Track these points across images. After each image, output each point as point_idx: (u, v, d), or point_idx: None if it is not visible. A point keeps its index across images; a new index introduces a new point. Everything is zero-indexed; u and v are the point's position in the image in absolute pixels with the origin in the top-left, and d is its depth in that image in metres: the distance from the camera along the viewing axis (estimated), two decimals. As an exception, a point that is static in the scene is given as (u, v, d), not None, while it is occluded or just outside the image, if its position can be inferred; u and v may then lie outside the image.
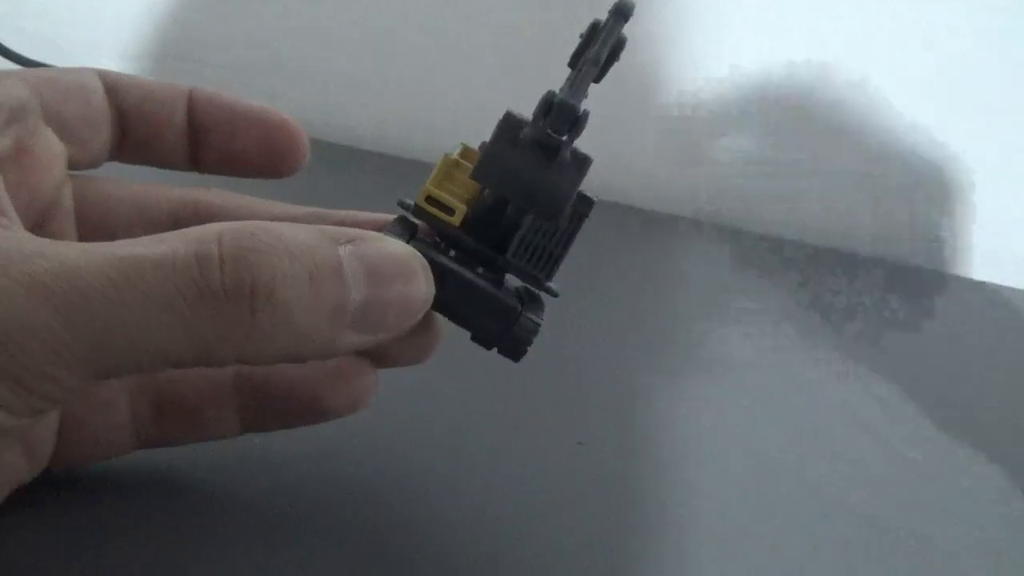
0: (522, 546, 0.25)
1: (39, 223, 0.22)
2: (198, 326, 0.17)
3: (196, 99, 0.25)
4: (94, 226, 0.24)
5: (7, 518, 0.20)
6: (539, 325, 0.22)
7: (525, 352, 0.22)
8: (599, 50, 0.20)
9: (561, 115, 0.19)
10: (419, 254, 0.20)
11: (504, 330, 0.21)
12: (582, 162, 0.20)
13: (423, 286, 0.20)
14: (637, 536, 0.26)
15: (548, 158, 0.20)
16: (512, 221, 0.22)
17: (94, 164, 0.24)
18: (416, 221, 0.22)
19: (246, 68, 0.58)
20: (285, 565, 0.22)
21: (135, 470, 0.24)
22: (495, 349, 0.22)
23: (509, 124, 0.20)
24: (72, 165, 0.23)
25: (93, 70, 0.24)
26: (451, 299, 0.21)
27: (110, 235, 0.24)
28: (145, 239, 0.18)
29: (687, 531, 0.27)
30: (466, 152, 0.23)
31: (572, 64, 0.21)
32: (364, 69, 0.59)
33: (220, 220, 0.25)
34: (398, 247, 0.19)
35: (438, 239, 0.22)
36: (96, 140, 0.24)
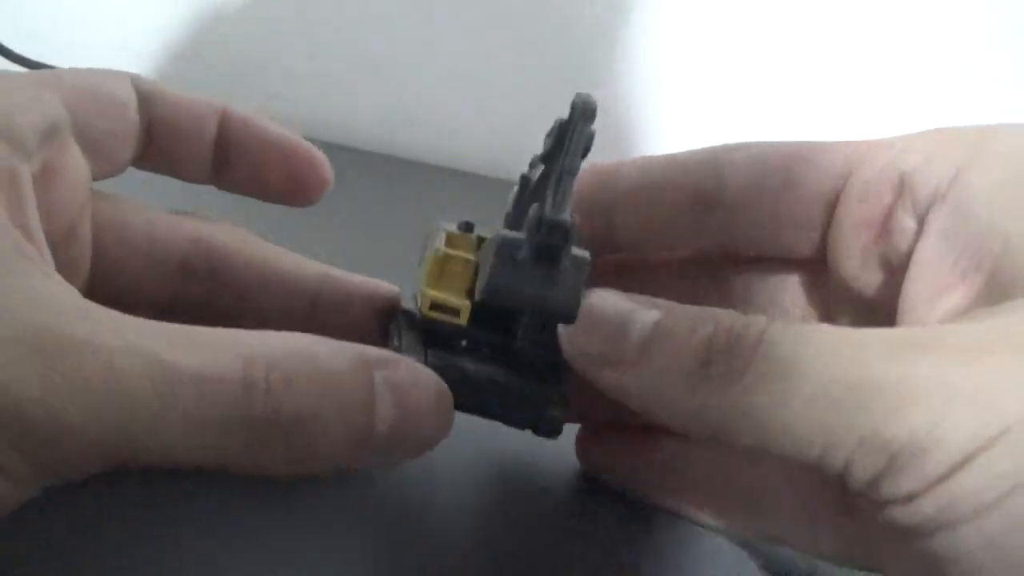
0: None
1: (57, 249, 0.21)
2: (229, 445, 0.17)
3: (229, 121, 0.25)
4: (105, 250, 0.24)
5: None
6: (566, 397, 0.22)
7: (561, 430, 0.23)
8: (573, 160, 0.20)
9: (553, 233, 0.20)
10: (444, 386, 0.20)
11: (536, 415, 0.22)
12: (581, 263, 0.21)
13: (445, 422, 0.20)
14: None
15: (550, 270, 0.20)
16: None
17: (114, 175, 0.24)
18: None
19: (246, 67, 0.59)
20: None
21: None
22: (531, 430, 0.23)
23: (506, 245, 0.20)
24: (93, 177, 0.23)
25: (128, 77, 0.24)
26: (478, 401, 0.22)
27: (119, 266, 0.24)
28: (192, 338, 0.17)
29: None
30: (452, 239, 0.23)
31: (545, 161, 0.22)
32: (365, 69, 0.59)
33: (231, 271, 0.25)
34: (427, 379, 0.20)
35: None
36: (123, 155, 0.24)
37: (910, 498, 0.17)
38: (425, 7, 0.58)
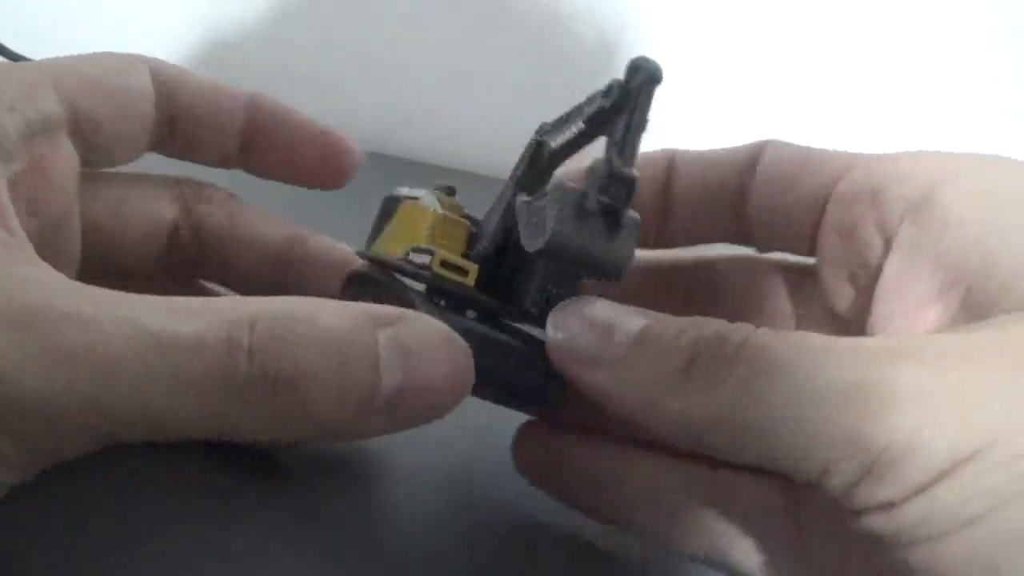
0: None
1: (44, 241, 0.21)
2: (219, 408, 0.17)
3: (256, 111, 0.25)
4: (100, 226, 0.24)
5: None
6: None
7: (563, 401, 0.22)
8: (644, 116, 0.20)
9: (620, 187, 0.20)
10: (462, 345, 0.19)
11: (546, 379, 0.21)
12: (634, 223, 0.21)
13: (460, 385, 0.19)
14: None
15: (611, 227, 0.20)
16: (514, 267, 0.22)
17: (126, 162, 0.24)
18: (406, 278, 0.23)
19: (245, 67, 0.58)
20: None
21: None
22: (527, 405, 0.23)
23: (567, 197, 0.20)
24: (101, 165, 0.23)
25: (146, 66, 0.23)
26: (495, 364, 0.21)
27: (113, 239, 0.24)
28: (178, 306, 0.17)
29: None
30: (444, 203, 0.23)
31: (590, 122, 0.21)
32: (364, 69, 0.59)
33: (223, 243, 0.26)
34: (441, 338, 0.19)
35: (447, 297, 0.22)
36: (134, 145, 0.23)
37: (890, 506, 0.17)
38: (425, 7, 0.58)
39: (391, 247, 0.24)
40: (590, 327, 0.20)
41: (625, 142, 0.20)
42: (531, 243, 0.21)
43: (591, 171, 0.20)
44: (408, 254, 0.22)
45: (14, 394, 0.16)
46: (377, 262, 0.24)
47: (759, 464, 0.18)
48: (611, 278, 0.21)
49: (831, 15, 0.58)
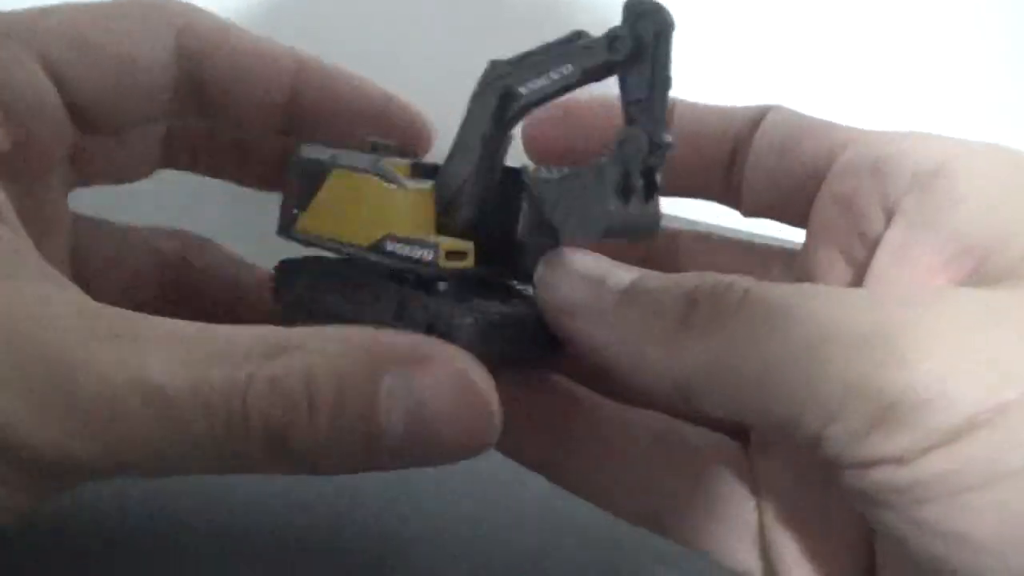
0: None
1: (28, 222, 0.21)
2: (224, 456, 0.17)
3: (307, 80, 0.23)
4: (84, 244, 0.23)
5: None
6: None
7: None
8: (668, 73, 0.19)
9: (661, 153, 0.19)
10: (488, 391, 0.17)
11: (549, 334, 0.21)
12: (662, 180, 0.20)
13: (486, 429, 0.18)
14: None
15: (651, 193, 0.20)
16: (497, 227, 0.22)
17: (135, 126, 0.22)
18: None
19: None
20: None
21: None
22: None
23: (610, 176, 0.19)
24: (103, 134, 0.21)
25: (172, 22, 0.21)
26: (512, 341, 0.20)
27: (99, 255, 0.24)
28: (184, 352, 0.17)
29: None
30: (400, 169, 0.22)
31: (586, 76, 0.20)
32: (364, 69, 0.59)
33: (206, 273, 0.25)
34: (460, 382, 0.17)
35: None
36: (135, 120, 0.21)
37: (905, 458, 0.15)
38: (426, 7, 0.58)
39: (343, 230, 0.21)
40: (580, 279, 0.19)
41: (654, 104, 0.19)
42: (573, 225, 0.20)
43: (625, 143, 0.19)
44: (384, 242, 0.21)
45: (25, 442, 0.16)
46: (315, 245, 0.22)
47: (749, 419, 0.17)
48: (648, 238, 0.20)
49: (834, 6, 0.58)
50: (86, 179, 0.23)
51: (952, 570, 0.16)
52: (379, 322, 0.20)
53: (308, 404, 0.16)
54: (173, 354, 0.17)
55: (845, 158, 0.22)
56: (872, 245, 0.21)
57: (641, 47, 0.19)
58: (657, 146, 0.19)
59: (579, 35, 0.20)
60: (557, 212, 0.20)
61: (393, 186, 0.21)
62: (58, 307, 0.17)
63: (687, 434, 0.22)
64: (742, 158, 0.23)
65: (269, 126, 0.23)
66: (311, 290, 0.22)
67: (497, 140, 0.21)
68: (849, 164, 0.21)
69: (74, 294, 0.17)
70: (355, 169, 0.21)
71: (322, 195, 0.22)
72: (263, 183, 0.26)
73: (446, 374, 0.17)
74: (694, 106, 0.24)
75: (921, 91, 0.59)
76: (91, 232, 0.23)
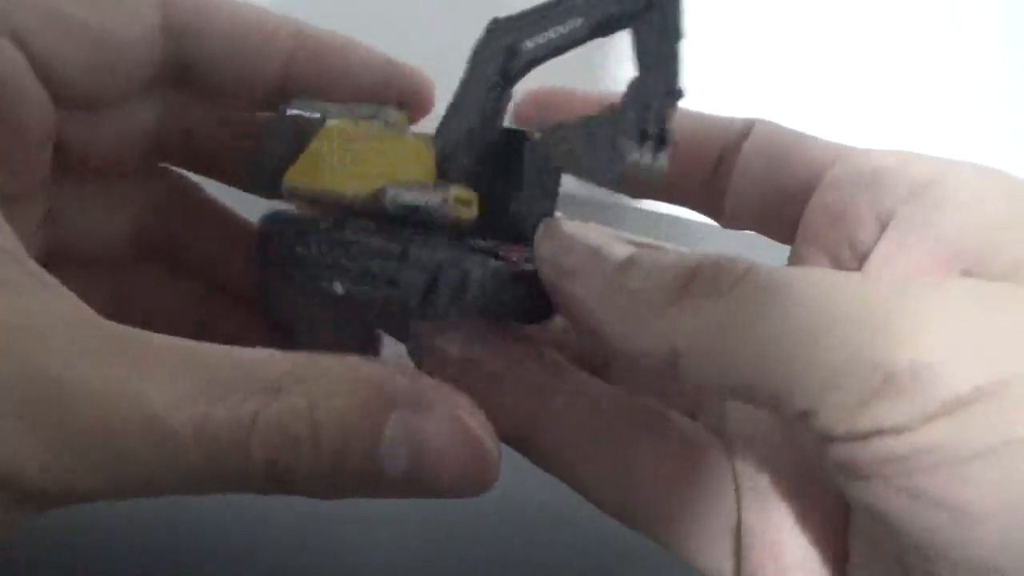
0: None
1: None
2: (221, 488, 0.17)
3: (302, 59, 0.22)
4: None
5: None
6: None
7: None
8: (680, 25, 0.19)
9: (675, 100, 0.19)
10: (492, 445, 0.17)
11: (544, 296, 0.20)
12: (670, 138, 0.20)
13: (486, 480, 0.17)
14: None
15: (661, 144, 0.20)
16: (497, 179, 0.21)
17: (114, 100, 0.21)
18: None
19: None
20: None
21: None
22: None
23: (628, 123, 0.19)
24: (82, 110, 0.20)
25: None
26: (514, 304, 0.20)
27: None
28: (188, 384, 0.16)
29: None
30: (393, 123, 0.21)
31: (594, 29, 0.20)
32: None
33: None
34: (461, 432, 0.17)
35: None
36: (115, 97, 0.21)
37: (908, 427, 0.15)
38: (426, 8, 0.58)
39: (338, 181, 0.21)
40: (581, 243, 0.19)
41: (667, 54, 0.19)
42: (589, 168, 0.20)
43: (640, 89, 0.19)
44: (386, 190, 0.20)
45: (18, 468, 0.16)
46: (303, 199, 0.22)
47: (739, 392, 0.17)
48: (654, 192, 0.20)
49: (838, 12, 0.57)
50: (68, 173, 0.22)
51: (942, 546, 0.15)
52: (381, 274, 0.20)
53: (312, 445, 0.16)
54: (174, 384, 0.16)
55: (838, 170, 0.22)
56: (863, 255, 0.21)
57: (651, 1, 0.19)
58: (671, 93, 0.19)
59: None
60: (572, 156, 0.20)
61: (395, 133, 0.21)
62: (52, 320, 0.16)
63: (675, 422, 0.21)
64: (727, 167, 0.23)
65: (262, 101, 0.22)
66: (301, 246, 0.21)
67: (500, 93, 0.21)
68: (842, 176, 0.21)
69: (69, 305, 0.17)
70: (352, 119, 0.21)
71: (313, 149, 0.21)
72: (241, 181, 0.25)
73: (448, 420, 0.17)
74: (682, 112, 0.23)
75: (914, 106, 0.59)
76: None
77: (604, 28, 0.20)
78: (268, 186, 0.22)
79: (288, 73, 0.22)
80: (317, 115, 0.21)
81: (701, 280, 0.17)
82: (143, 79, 0.21)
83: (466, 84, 0.21)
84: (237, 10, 0.21)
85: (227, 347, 0.17)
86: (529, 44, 0.20)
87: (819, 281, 0.17)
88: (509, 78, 0.21)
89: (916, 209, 0.20)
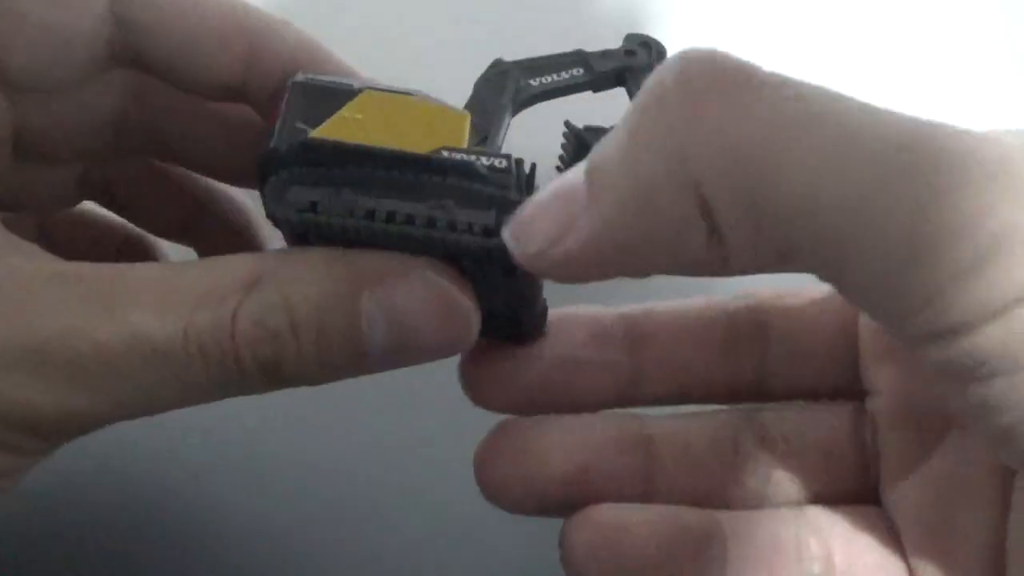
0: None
1: None
2: (222, 393, 0.18)
3: (260, 60, 0.20)
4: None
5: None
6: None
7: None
8: None
9: None
10: (458, 299, 0.18)
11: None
12: None
13: (465, 335, 0.18)
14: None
15: None
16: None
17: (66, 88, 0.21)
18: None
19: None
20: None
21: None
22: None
23: None
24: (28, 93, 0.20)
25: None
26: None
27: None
28: (164, 297, 0.17)
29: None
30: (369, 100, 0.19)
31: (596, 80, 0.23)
32: (364, 70, 0.59)
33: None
34: (434, 290, 0.18)
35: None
36: (63, 88, 0.21)
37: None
38: (427, 8, 0.58)
39: (383, 140, 0.18)
40: (551, 199, 0.17)
41: None
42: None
43: None
44: (441, 151, 0.18)
45: (26, 405, 0.17)
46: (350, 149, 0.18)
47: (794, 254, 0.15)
48: None
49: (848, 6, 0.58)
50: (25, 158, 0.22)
51: None
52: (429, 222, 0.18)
53: (292, 335, 0.17)
54: (156, 302, 0.17)
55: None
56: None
57: (653, 59, 0.23)
58: None
59: (580, 51, 0.23)
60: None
61: (449, 106, 0.20)
62: (34, 276, 0.17)
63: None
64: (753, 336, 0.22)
65: (221, 92, 0.21)
66: (335, 185, 0.18)
67: (507, 117, 0.22)
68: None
69: (46, 261, 0.18)
70: (393, 91, 0.20)
71: (346, 113, 0.19)
72: (178, 230, 0.26)
73: (419, 281, 0.18)
74: (669, 315, 0.22)
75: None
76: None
77: (604, 80, 0.23)
78: (288, 141, 0.19)
79: (247, 67, 0.21)
80: (352, 84, 0.20)
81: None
82: (90, 74, 0.21)
83: (471, 107, 0.21)
84: (190, 3, 0.20)
85: (202, 259, 0.18)
86: (534, 83, 0.22)
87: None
88: (516, 104, 0.22)
89: None
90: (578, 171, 0.16)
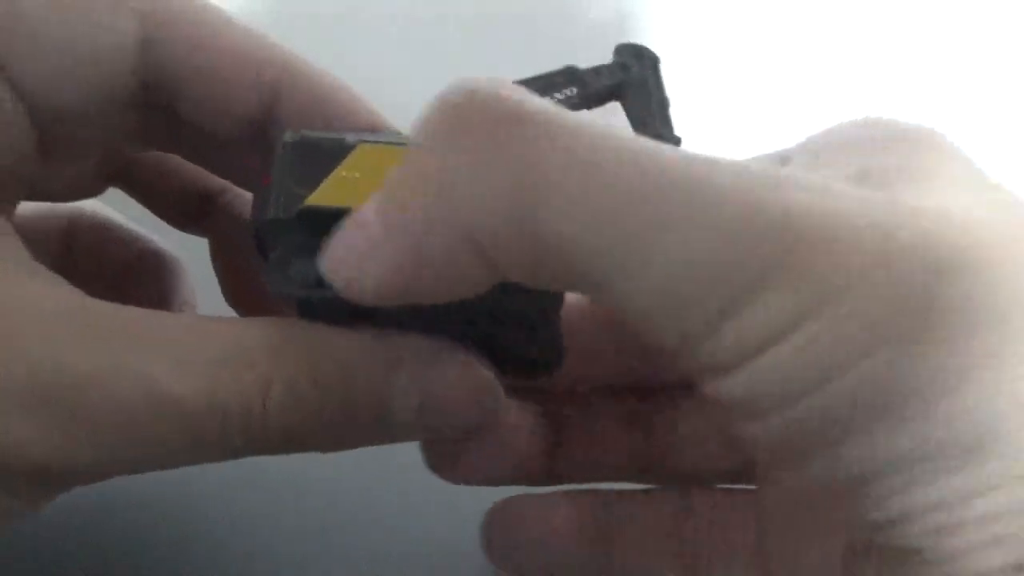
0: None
1: None
2: (232, 455, 0.17)
3: (287, 98, 0.20)
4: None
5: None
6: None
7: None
8: (662, 93, 0.23)
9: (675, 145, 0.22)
10: (488, 382, 0.18)
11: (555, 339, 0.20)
12: None
13: (492, 416, 0.19)
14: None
15: None
16: None
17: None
18: None
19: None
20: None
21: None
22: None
23: None
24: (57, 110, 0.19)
25: (131, 20, 0.18)
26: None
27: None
28: (191, 356, 0.16)
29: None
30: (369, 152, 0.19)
31: (592, 96, 0.23)
32: (364, 69, 0.59)
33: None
34: (466, 379, 0.18)
35: None
36: (90, 103, 0.19)
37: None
38: (428, 9, 0.58)
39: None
40: (352, 228, 0.16)
41: (659, 115, 0.23)
42: None
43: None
44: None
45: (27, 453, 0.16)
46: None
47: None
48: None
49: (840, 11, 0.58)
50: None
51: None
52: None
53: (321, 406, 0.17)
54: (180, 358, 0.16)
55: None
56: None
57: (642, 75, 0.23)
58: (670, 141, 0.22)
59: (572, 68, 0.23)
60: None
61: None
62: (51, 308, 0.17)
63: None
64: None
65: (235, 130, 0.20)
66: None
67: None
68: None
69: (66, 291, 0.17)
70: (388, 143, 0.19)
71: (344, 172, 0.18)
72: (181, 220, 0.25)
73: (454, 367, 0.18)
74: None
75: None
76: None
77: (597, 97, 0.23)
78: (285, 208, 0.18)
79: (268, 106, 0.20)
80: (345, 135, 0.19)
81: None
82: (117, 97, 0.19)
83: None
84: (224, 31, 0.19)
85: (228, 318, 0.17)
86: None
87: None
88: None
89: None
90: (374, 201, 0.16)
